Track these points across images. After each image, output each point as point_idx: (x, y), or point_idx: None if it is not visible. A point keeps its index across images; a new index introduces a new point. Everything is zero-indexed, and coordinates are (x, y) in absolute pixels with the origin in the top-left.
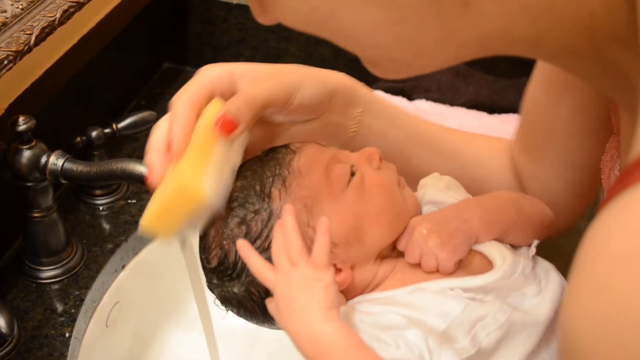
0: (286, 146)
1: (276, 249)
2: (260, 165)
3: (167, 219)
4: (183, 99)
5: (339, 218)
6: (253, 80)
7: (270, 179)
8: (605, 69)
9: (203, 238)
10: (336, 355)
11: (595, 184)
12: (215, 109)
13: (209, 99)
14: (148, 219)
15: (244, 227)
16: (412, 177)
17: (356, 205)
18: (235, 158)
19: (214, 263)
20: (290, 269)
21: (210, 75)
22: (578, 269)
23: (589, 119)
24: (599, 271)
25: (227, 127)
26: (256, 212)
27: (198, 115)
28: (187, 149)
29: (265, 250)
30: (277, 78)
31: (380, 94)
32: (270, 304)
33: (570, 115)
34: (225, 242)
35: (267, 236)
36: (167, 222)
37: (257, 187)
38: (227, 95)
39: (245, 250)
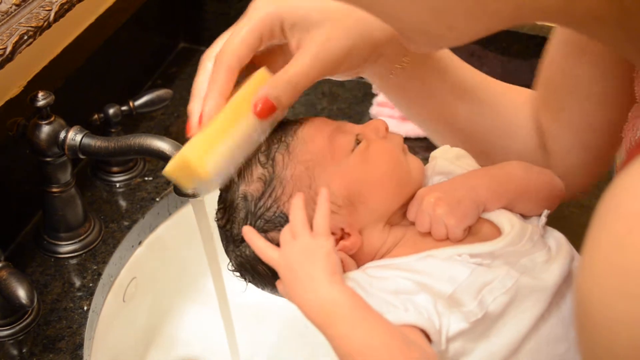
0: (295, 119)
1: (283, 230)
2: (269, 135)
3: (177, 177)
4: (225, 61)
5: (342, 181)
6: (302, 40)
7: (276, 145)
8: (630, 35)
9: (218, 204)
10: (342, 316)
11: (611, 149)
12: (259, 81)
13: (254, 53)
14: (167, 169)
15: (251, 187)
16: (436, 119)
17: (359, 169)
18: (262, 134)
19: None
20: (292, 242)
21: (257, 25)
22: (596, 227)
23: (610, 83)
24: (618, 228)
25: (266, 111)
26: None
27: (238, 72)
28: (216, 118)
29: (268, 209)
30: (326, 47)
31: None
32: (279, 285)
33: (590, 78)
34: (237, 202)
35: (270, 195)
36: (179, 180)
37: (264, 152)
38: (274, 52)
39: (250, 234)
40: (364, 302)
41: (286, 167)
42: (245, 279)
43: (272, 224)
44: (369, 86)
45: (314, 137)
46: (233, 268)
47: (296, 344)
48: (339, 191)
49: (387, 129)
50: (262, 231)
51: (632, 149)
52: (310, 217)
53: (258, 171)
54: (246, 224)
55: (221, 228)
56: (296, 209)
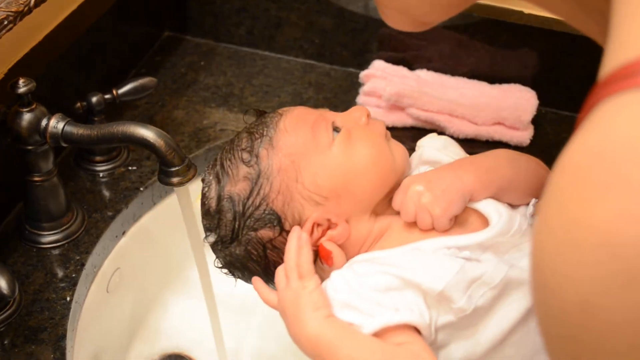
0: (274, 111)
1: (275, 274)
2: (248, 129)
3: None
4: None
5: (327, 171)
6: None
7: (258, 140)
8: (588, 12)
9: (202, 207)
10: (326, 346)
11: None
12: None
13: None
14: None
15: (237, 187)
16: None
17: (344, 158)
18: None
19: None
20: (285, 286)
21: None
22: (548, 184)
23: None
24: (562, 181)
25: None
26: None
27: None
28: None
29: (257, 208)
30: None
31: (381, 64)
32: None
33: None
34: (222, 203)
35: (258, 193)
36: None
37: (247, 149)
38: None
39: (257, 283)
40: (345, 328)
41: (271, 162)
42: (234, 276)
43: (262, 222)
44: (356, 75)
45: (297, 128)
46: (221, 265)
47: (282, 335)
48: (325, 183)
49: (368, 115)
50: (253, 230)
51: (581, 114)
52: (296, 215)
53: (243, 170)
54: (235, 225)
55: (207, 229)
56: (289, 252)
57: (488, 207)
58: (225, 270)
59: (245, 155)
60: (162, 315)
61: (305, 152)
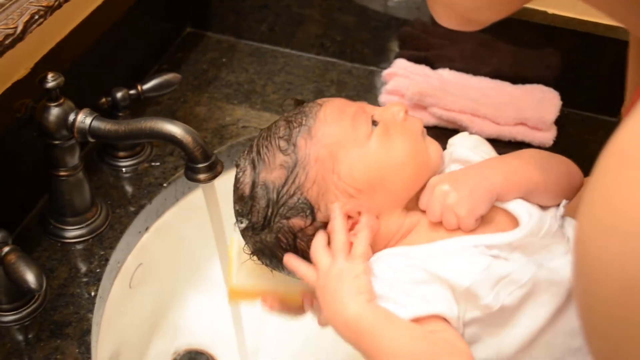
0: (313, 101)
1: (314, 249)
2: (287, 117)
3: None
4: None
5: (363, 164)
6: None
7: (297, 129)
8: (630, 5)
9: (236, 192)
10: (365, 331)
11: None
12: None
13: None
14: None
15: (273, 174)
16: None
17: (381, 152)
18: None
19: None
20: (330, 264)
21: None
22: (596, 169)
23: None
24: (612, 167)
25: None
26: (283, 161)
27: None
28: None
29: (291, 196)
30: None
31: (403, 62)
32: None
33: None
34: (256, 190)
35: (293, 182)
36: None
37: (285, 137)
38: None
39: (292, 261)
40: (384, 313)
41: (309, 152)
42: (263, 262)
43: (295, 211)
44: (377, 74)
45: (338, 119)
46: (250, 252)
47: (303, 332)
48: (360, 176)
49: (406, 111)
50: (285, 218)
51: (629, 108)
52: (329, 205)
53: (280, 158)
54: (267, 212)
55: (239, 215)
56: (338, 232)
57: (518, 207)
58: (255, 257)
59: (283, 144)
60: (183, 311)
61: (344, 144)
